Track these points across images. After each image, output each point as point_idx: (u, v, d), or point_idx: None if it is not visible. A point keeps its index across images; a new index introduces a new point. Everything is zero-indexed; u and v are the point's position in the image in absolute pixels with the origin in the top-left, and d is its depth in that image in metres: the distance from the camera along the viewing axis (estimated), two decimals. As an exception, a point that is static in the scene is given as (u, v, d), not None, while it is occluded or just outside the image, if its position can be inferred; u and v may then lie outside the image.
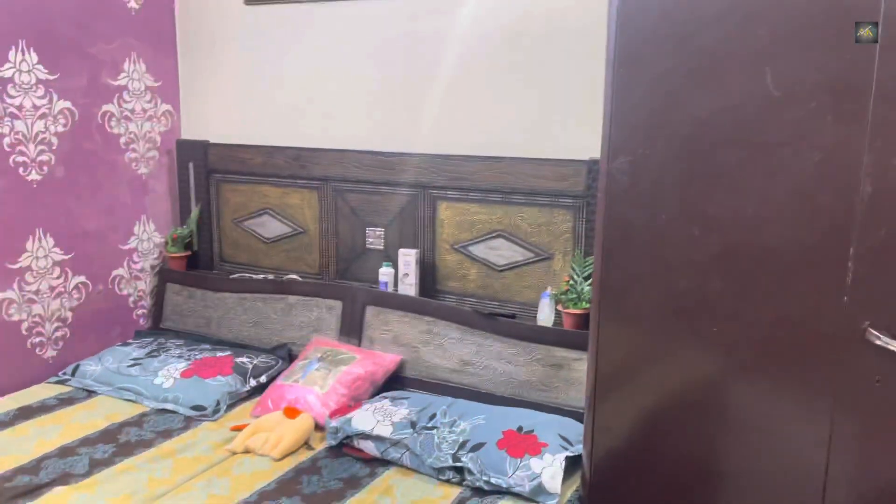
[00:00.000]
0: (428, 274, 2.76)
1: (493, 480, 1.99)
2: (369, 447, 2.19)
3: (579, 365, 2.35)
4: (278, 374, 2.71)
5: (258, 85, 3.06)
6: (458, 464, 2.05)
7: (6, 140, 2.56)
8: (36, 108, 2.64)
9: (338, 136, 2.90)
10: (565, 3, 2.43)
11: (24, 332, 2.70)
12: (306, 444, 2.27)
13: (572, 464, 2.06)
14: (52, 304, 2.78)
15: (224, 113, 3.16)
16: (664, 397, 1.78)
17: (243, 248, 3.17)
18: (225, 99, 3.15)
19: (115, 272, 3.03)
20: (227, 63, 3.12)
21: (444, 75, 2.68)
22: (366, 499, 1.97)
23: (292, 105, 3.00)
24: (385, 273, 2.78)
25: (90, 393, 2.62)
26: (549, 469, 1.97)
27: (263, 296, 2.97)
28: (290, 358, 2.82)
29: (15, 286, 2.65)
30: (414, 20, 2.69)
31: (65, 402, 2.54)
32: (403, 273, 2.74)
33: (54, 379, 2.72)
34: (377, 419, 2.23)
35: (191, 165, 3.17)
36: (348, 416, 2.28)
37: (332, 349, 2.66)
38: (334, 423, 2.26)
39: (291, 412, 2.34)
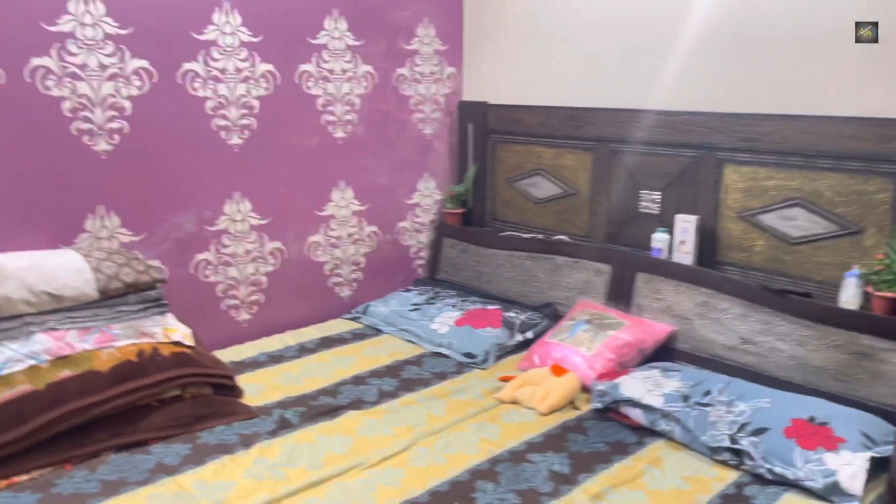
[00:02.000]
0: (707, 243, 2.58)
1: (777, 469, 1.82)
2: (637, 415, 2.13)
3: (891, 356, 2.04)
4: (544, 331, 2.75)
5: (536, 46, 3.07)
6: (737, 446, 1.91)
7: (319, 101, 2.89)
8: (343, 71, 2.94)
9: (615, 96, 2.81)
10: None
11: (326, 273, 3.06)
12: (571, 404, 2.28)
13: (875, 466, 1.80)
14: (349, 249, 3.12)
15: (503, 75, 3.24)
16: None
17: (514, 207, 3.25)
18: (504, 61, 3.22)
19: (400, 224, 3.30)
20: (507, 25, 3.17)
21: (735, 26, 2.44)
22: (633, 466, 1.92)
23: (569, 65, 2.97)
24: (659, 239, 2.66)
25: (377, 331, 2.90)
26: (848, 468, 1.75)
27: (532, 255, 3.03)
28: (556, 317, 2.84)
29: (321, 231, 3.01)
30: (710, -33, 2.48)
31: (357, 336, 2.84)
32: (680, 240, 2.60)
33: (348, 316, 3.06)
34: (647, 388, 2.16)
35: (470, 126, 3.31)
36: (616, 381, 2.24)
37: (600, 313, 2.62)
38: (601, 386, 2.24)
39: (558, 370, 2.36)
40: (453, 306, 2.91)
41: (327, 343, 2.77)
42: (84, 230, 2.38)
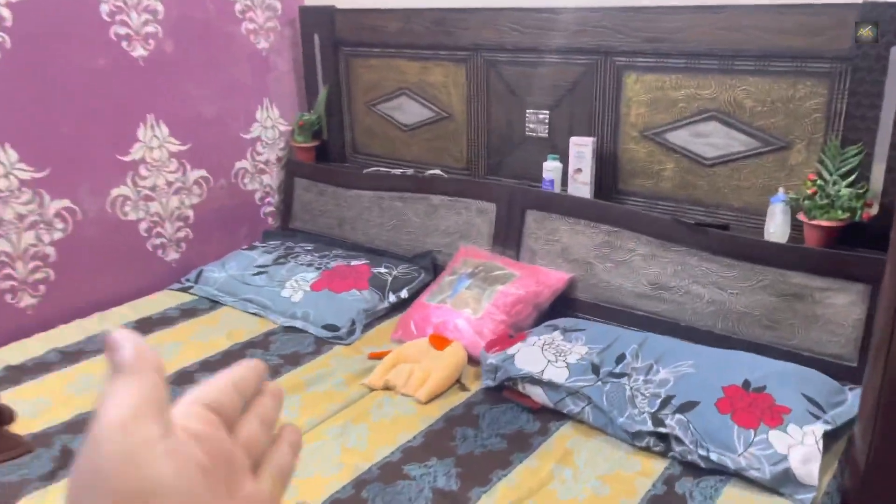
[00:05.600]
0: (607, 169, 2.16)
1: (713, 457, 1.45)
2: (538, 394, 1.71)
3: (828, 297, 1.71)
4: (422, 288, 2.28)
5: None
6: (662, 429, 1.53)
7: (103, 7, 2.16)
8: (135, -33, 2.22)
9: (491, -7, 2.28)
10: None
11: (142, 234, 2.41)
12: (458, 383, 1.83)
13: (824, 435, 1.47)
14: (171, 201, 2.46)
15: (352, -29, 2.61)
16: None
17: (378, 136, 2.69)
18: (353, -47, 2.59)
19: (238, 165, 2.66)
20: None
21: None
22: (539, 467, 1.51)
23: (434, -45, 2.39)
24: (551, 168, 2.20)
25: (213, 304, 2.31)
26: (798, 448, 1.40)
27: (403, 194, 2.50)
28: (435, 269, 2.37)
29: (128, 181, 2.33)
30: None
31: (186, 313, 2.25)
32: (575, 168, 2.15)
33: (177, 286, 2.44)
34: (547, 358, 1.74)
35: (316, 37, 2.68)
36: (509, 351, 1.80)
37: (486, 262, 2.16)
38: (492, 359, 1.80)
39: (439, 341, 1.90)
40: (309, 264, 2.36)
41: (145, 326, 2.15)
42: None
